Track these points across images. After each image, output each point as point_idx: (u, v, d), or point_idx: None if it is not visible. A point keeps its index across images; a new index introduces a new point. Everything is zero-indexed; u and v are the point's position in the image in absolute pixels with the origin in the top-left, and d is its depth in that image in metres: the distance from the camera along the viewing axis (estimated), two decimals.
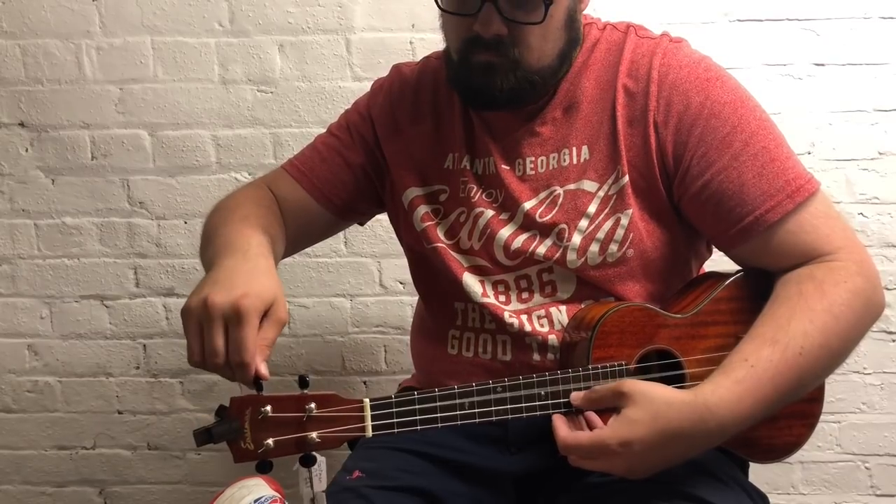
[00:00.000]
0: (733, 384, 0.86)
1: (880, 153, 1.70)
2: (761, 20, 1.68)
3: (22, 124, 1.79)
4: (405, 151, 1.14)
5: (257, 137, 1.77)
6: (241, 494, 0.88)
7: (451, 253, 1.09)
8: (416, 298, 1.24)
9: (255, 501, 0.87)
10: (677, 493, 0.93)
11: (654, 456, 0.86)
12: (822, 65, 1.68)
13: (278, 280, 0.91)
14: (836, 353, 0.93)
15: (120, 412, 1.88)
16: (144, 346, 1.85)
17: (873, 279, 0.96)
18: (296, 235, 1.16)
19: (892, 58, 1.67)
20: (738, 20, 1.69)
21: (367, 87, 1.24)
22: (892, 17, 1.66)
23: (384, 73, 1.17)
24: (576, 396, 0.91)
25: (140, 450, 1.89)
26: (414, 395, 0.87)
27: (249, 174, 1.78)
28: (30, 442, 1.89)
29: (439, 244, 1.10)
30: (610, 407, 0.88)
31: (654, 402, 0.85)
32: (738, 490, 0.98)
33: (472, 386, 0.89)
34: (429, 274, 1.15)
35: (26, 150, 1.79)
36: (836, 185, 1.71)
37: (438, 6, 1.01)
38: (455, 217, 1.10)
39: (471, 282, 1.07)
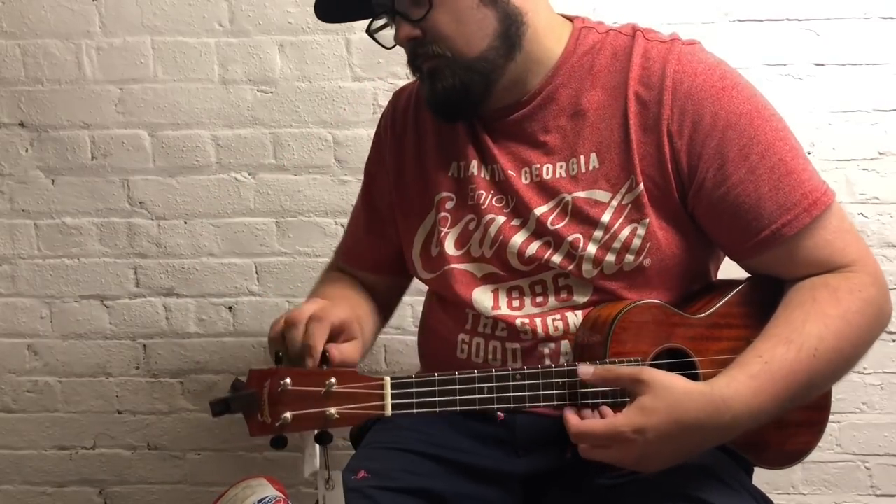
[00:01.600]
0: (748, 379, 0.86)
1: (880, 153, 1.70)
2: (761, 20, 1.68)
3: (22, 124, 1.78)
4: (406, 192, 1.15)
5: (257, 137, 1.77)
6: (245, 494, 0.87)
7: (461, 267, 1.08)
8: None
9: (259, 502, 0.86)
10: (684, 496, 0.92)
11: (666, 446, 0.85)
12: (822, 65, 1.68)
13: (353, 312, 0.99)
14: (846, 359, 0.93)
15: (120, 412, 1.87)
16: (144, 346, 1.85)
17: (885, 290, 0.98)
18: (383, 302, 1.23)
19: (892, 58, 1.67)
20: (738, 20, 1.68)
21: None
22: (892, 17, 1.66)
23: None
24: (585, 371, 0.89)
25: (140, 450, 1.88)
26: (434, 376, 0.87)
27: (249, 174, 1.78)
28: (30, 442, 1.89)
29: (448, 267, 1.08)
30: (624, 392, 0.88)
31: (672, 393, 0.84)
32: (745, 494, 0.98)
33: (492, 372, 0.89)
34: (440, 293, 1.14)
35: (26, 150, 1.79)
36: (836, 185, 1.69)
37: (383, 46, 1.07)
38: (464, 225, 1.08)
39: (482, 298, 1.06)
